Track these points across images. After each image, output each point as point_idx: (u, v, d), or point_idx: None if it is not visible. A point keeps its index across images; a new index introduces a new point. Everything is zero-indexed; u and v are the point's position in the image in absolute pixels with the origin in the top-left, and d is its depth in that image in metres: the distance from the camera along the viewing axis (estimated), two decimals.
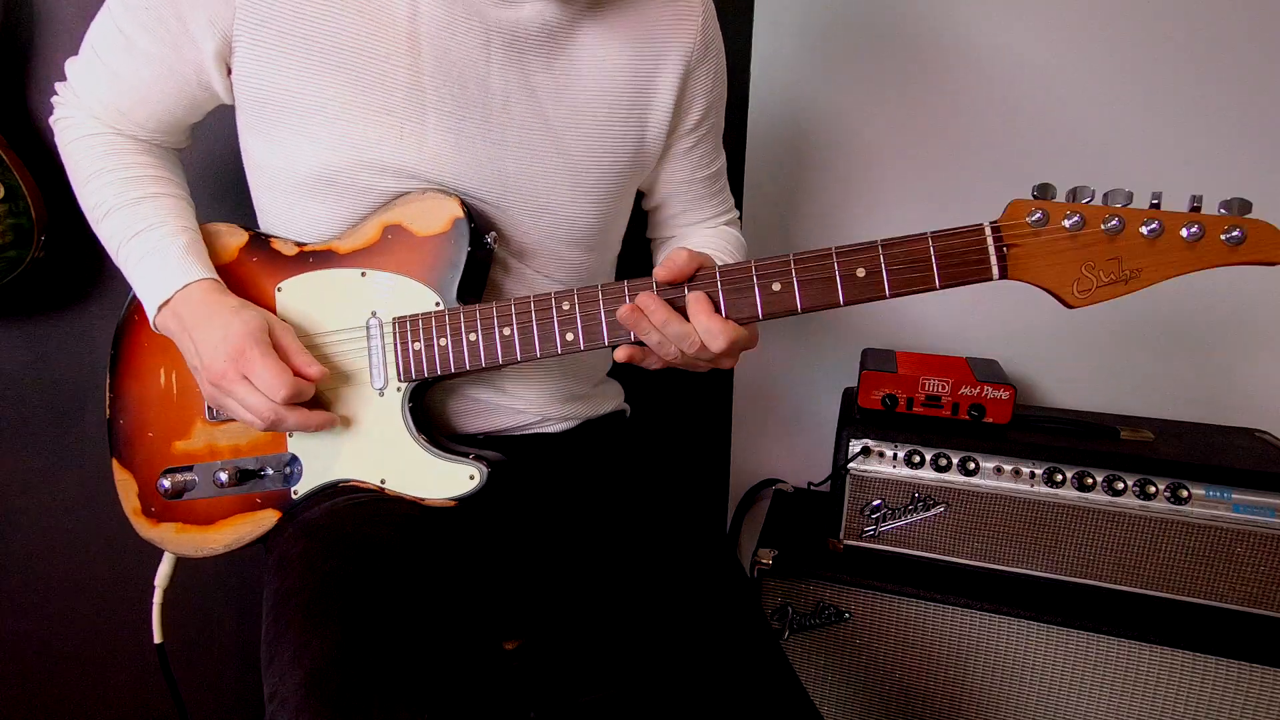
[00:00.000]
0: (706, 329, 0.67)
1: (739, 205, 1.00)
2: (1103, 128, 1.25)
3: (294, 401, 0.70)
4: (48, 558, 1.23)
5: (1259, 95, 1.17)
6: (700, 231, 0.95)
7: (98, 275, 1.12)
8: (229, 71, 0.73)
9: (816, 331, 1.46)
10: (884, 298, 0.65)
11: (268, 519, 0.79)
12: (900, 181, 1.36)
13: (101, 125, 0.78)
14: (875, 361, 1.24)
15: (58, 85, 0.80)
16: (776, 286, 0.67)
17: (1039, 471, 1.08)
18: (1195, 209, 0.60)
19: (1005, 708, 1.11)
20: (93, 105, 0.77)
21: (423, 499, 0.76)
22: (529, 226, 0.79)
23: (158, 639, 0.92)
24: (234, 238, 0.80)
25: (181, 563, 0.87)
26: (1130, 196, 0.61)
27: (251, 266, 0.79)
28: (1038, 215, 0.62)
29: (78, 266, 1.10)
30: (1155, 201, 0.61)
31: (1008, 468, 1.10)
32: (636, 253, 1.00)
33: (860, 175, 1.38)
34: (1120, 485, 1.06)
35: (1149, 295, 0.62)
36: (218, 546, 0.80)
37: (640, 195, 0.93)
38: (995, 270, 0.63)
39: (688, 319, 0.67)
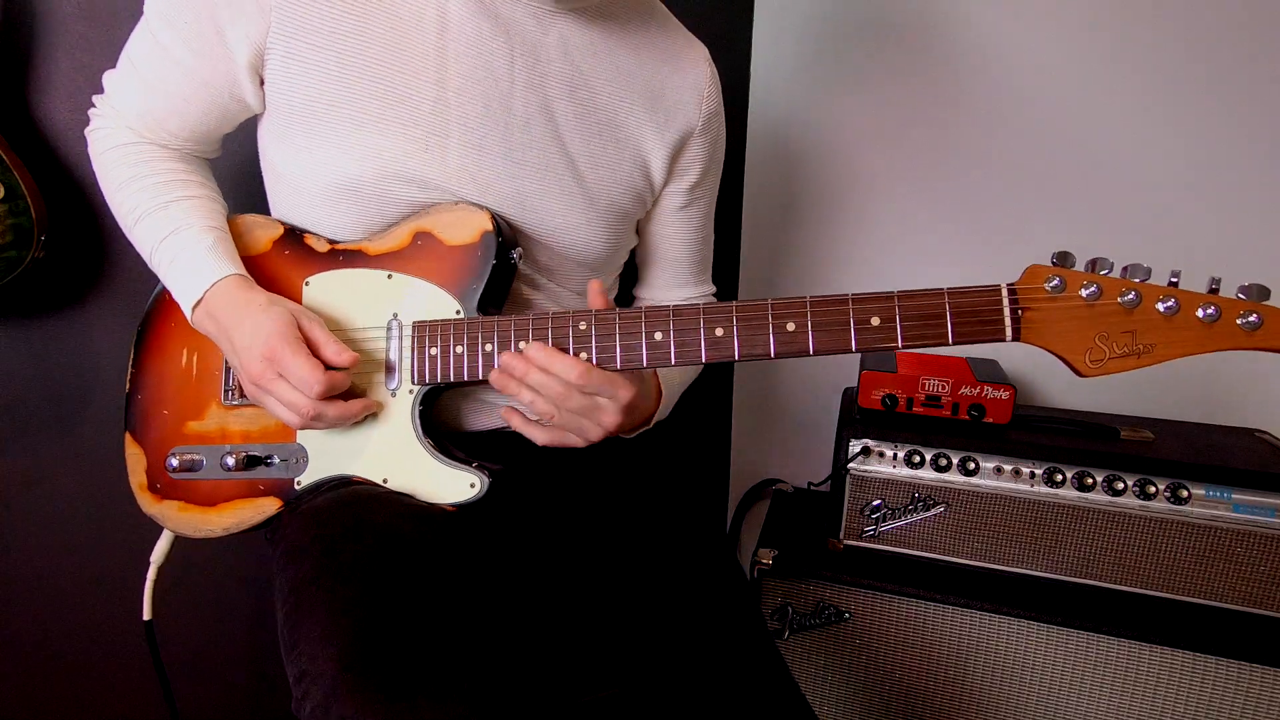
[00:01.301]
0: (561, 366, 0.69)
1: (739, 208, 1.00)
2: (1108, 135, 1.25)
3: (330, 395, 0.71)
4: (47, 557, 1.23)
5: None
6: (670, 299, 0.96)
7: (98, 275, 1.12)
8: (261, 82, 0.75)
9: None
10: (895, 348, 0.66)
11: (269, 506, 0.80)
12: (900, 188, 1.36)
13: (135, 135, 0.80)
14: (875, 361, 1.24)
15: (95, 98, 0.82)
16: (791, 327, 0.67)
17: (1039, 471, 1.08)
18: (1214, 290, 0.60)
19: (1005, 708, 1.11)
20: (128, 115, 0.79)
21: (423, 501, 0.76)
22: (543, 243, 0.81)
23: (147, 615, 0.93)
24: (269, 230, 0.82)
25: (182, 548, 0.88)
26: (1149, 272, 0.61)
27: (283, 259, 0.81)
28: (1055, 282, 0.62)
29: (78, 266, 1.11)
30: (1174, 280, 0.61)
31: (1008, 468, 1.10)
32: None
33: (860, 182, 1.38)
34: (1120, 485, 1.06)
35: None
36: (216, 529, 0.81)
37: None
38: (1009, 332, 0.64)
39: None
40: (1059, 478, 1.08)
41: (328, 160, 0.75)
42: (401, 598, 0.64)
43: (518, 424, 0.76)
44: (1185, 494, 1.04)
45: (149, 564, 0.91)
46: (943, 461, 1.12)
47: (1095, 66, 1.23)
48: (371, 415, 0.78)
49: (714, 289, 1.01)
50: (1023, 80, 1.27)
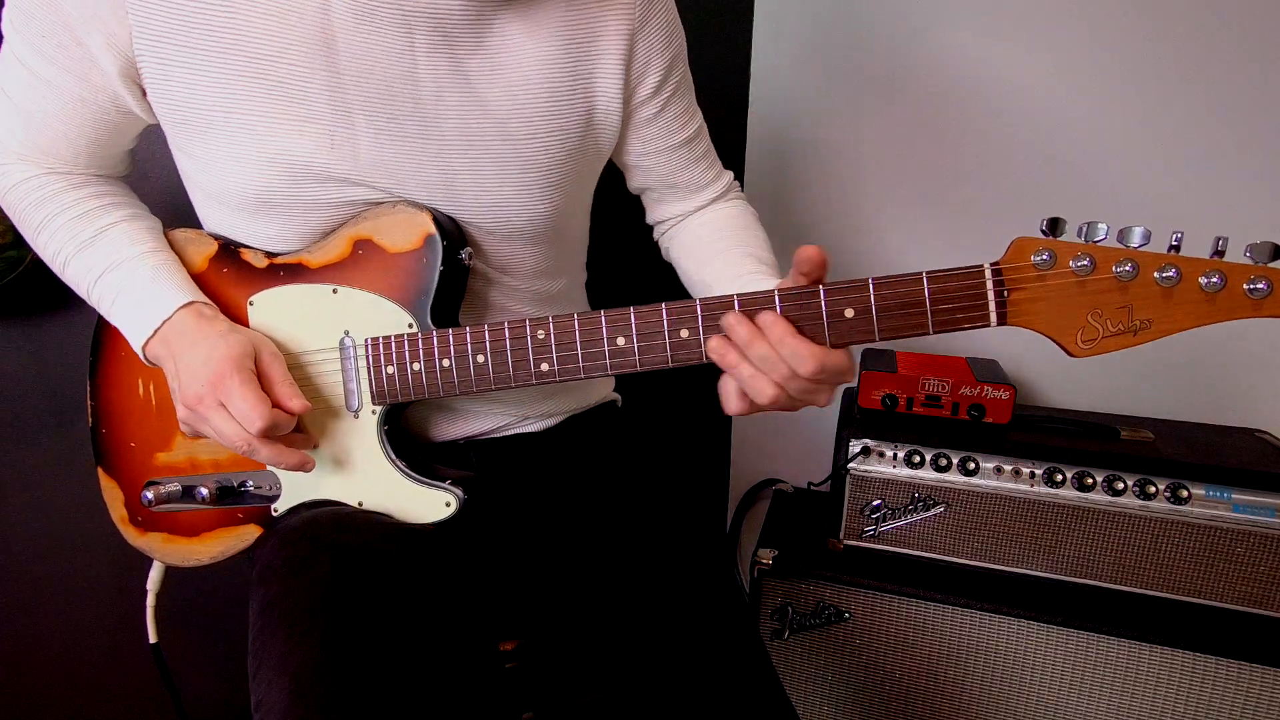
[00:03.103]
0: (793, 352, 0.59)
1: None
2: (1103, 132, 1.25)
3: (271, 434, 0.66)
4: (48, 557, 1.23)
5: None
6: (707, 218, 0.89)
7: None
8: (144, 92, 0.68)
9: None
10: (873, 341, 0.60)
11: (250, 533, 0.78)
12: (900, 189, 1.36)
13: (32, 168, 0.74)
14: (875, 361, 1.24)
15: None
16: None
17: (1039, 471, 1.08)
18: (1219, 253, 0.54)
19: (1005, 708, 1.11)
20: (16, 148, 0.73)
21: (400, 521, 0.74)
22: (483, 225, 0.75)
23: (152, 639, 0.93)
24: (202, 247, 0.76)
25: (173, 566, 0.88)
26: (1148, 235, 0.55)
27: (221, 278, 0.75)
28: (1044, 256, 0.56)
29: None
30: (1175, 243, 0.55)
31: (1008, 468, 1.10)
32: (622, 253, 1.00)
33: (860, 183, 1.38)
34: (1120, 485, 1.06)
35: None
36: (203, 558, 0.80)
37: (623, 177, 0.89)
38: (993, 317, 0.58)
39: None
40: (1059, 478, 1.08)
41: (233, 171, 0.69)
42: (364, 618, 0.62)
43: (733, 406, 0.64)
44: (1185, 494, 1.04)
45: (147, 591, 0.90)
46: (943, 461, 1.12)
47: (1092, 61, 1.23)
48: (338, 440, 0.74)
49: (730, 174, 0.92)
50: (1019, 81, 1.27)
